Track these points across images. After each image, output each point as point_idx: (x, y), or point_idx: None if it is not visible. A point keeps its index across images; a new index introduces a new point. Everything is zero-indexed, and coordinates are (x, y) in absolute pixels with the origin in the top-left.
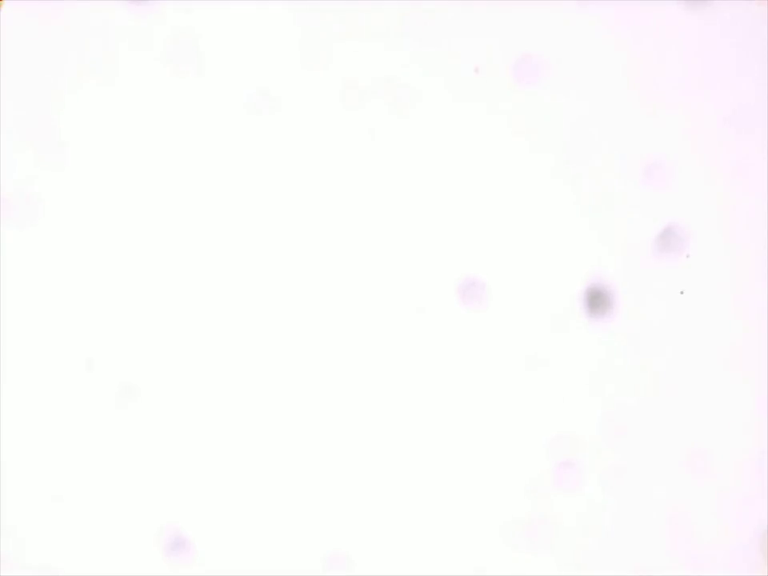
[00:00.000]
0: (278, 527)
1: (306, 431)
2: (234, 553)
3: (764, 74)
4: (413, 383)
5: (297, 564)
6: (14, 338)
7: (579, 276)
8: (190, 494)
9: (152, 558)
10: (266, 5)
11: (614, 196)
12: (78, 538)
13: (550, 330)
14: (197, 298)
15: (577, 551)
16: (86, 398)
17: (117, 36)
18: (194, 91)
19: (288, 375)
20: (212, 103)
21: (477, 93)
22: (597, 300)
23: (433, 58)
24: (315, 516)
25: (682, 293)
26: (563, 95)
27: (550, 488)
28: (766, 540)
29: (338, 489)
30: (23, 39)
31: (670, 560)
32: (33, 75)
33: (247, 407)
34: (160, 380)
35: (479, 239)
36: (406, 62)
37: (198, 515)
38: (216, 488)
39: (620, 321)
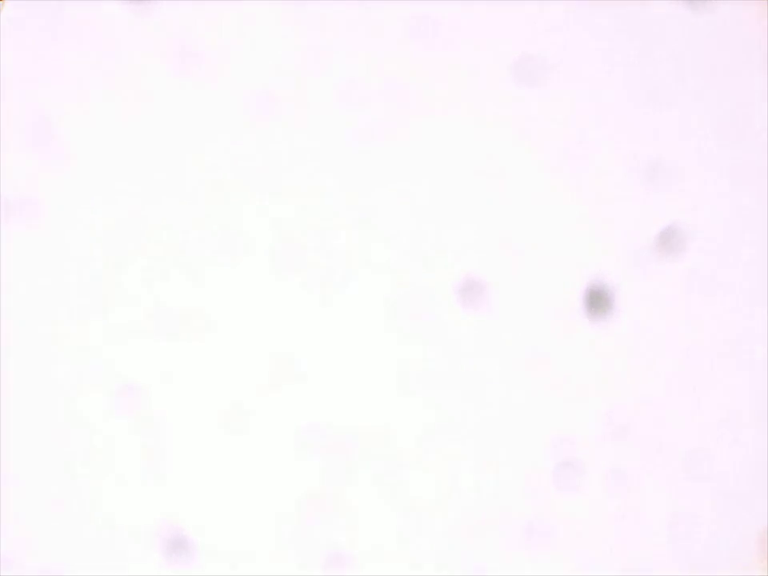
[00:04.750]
0: (278, 527)
1: (306, 432)
2: (234, 553)
3: (764, 74)
4: (413, 383)
5: (297, 564)
6: (15, 338)
7: (579, 276)
8: (189, 494)
9: (152, 557)
10: (267, 5)
11: (614, 196)
12: (78, 538)
13: (549, 329)
14: (197, 297)
15: (577, 551)
16: (86, 398)
17: (117, 36)
18: (194, 91)
19: (288, 375)
20: (212, 103)
21: (477, 93)
22: (597, 300)
23: (433, 58)
24: (315, 516)
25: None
26: (563, 95)
27: (550, 488)
28: (766, 540)
29: (337, 489)
30: (23, 39)
31: (669, 560)
32: (33, 75)
33: (247, 408)
34: (160, 380)
35: (479, 239)
36: (406, 63)
37: (198, 515)
38: (216, 488)
39: (620, 321)
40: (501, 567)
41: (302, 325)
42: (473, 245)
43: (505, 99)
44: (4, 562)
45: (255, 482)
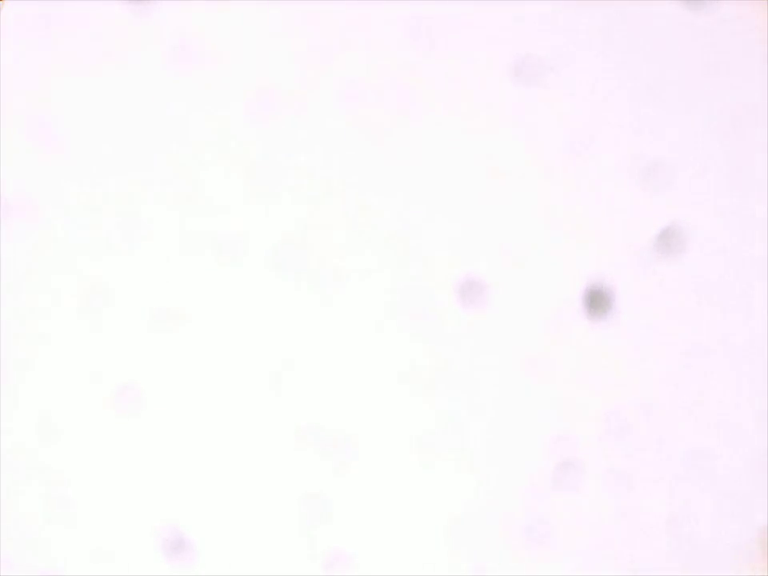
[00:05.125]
0: (278, 527)
1: (305, 432)
2: (234, 553)
3: (764, 74)
4: (413, 383)
5: (297, 564)
6: (14, 338)
7: (579, 276)
8: (190, 495)
9: (152, 558)
10: (267, 5)
11: (614, 196)
12: (78, 538)
13: (549, 329)
14: (197, 297)
15: (577, 551)
16: (86, 399)
17: (117, 36)
18: (194, 91)
19: (288, 375)
20: (212, 103)
21: (477, 93)
22: (597, 300)
23: (433, 58)
24: (315, 516)
25: None
26: (563, 95)
27: (550, 488)
28: (766, 540)
29: (337, 489)
30: (23, 39)
31: (670, 560)
32: (33, 75)
33: (247, 409)
34: (160, 381)
35: (479, 239)
36: (406, 63)
37: (198, 515)
38: (216, 488)
39: (620, 321)
40: (501, 567)
41: (301, 325)
42: (473, 245)
43: (505, 99)
44: (4, 562)
45: (255, 482)
